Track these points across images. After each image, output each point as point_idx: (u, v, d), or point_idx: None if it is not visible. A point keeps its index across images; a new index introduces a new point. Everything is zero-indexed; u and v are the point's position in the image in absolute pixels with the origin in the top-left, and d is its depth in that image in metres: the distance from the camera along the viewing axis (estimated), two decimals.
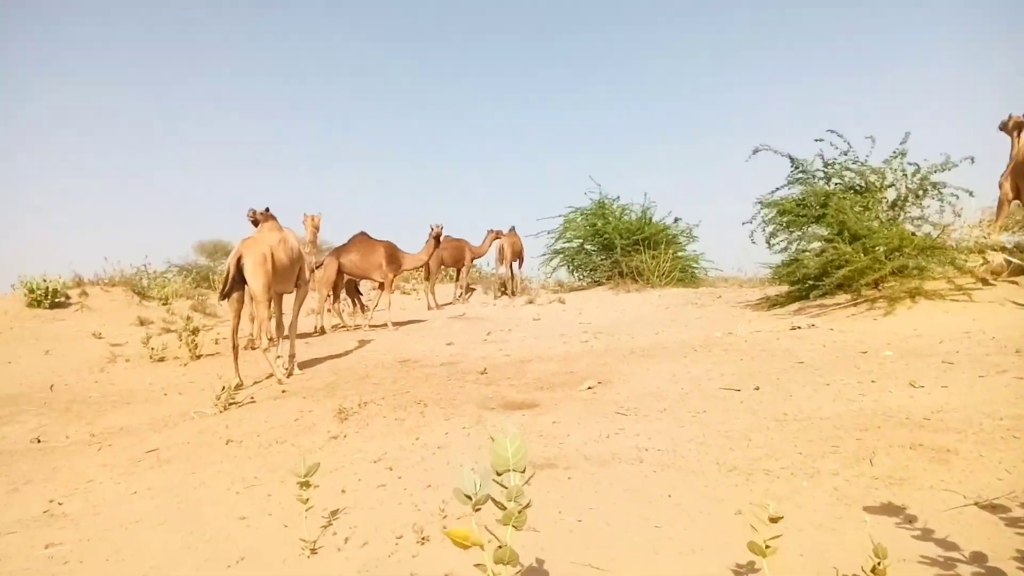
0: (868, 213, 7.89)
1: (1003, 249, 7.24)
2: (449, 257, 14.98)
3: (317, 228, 8.77)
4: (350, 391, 5.88)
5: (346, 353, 8.66)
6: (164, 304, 15.62)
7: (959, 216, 8.95)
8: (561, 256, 16.45)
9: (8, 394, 7.54)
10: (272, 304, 7.06)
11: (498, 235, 15.79)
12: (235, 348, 6.90)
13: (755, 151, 8.40)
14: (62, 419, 6.35)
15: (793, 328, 6.71)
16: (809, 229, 8.08)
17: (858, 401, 3.71)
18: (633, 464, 3.11)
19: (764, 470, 2.82)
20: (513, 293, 15.75)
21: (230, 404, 5.88)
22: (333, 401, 5.49)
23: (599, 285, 15.15)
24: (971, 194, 7.91)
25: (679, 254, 15.18)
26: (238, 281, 6.73)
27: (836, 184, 8.21)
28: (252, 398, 6.28)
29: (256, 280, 6.69)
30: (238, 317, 6.93)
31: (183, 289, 17.95)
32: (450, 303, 15.53)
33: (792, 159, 8.34)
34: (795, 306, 8.08)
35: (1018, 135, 7.56)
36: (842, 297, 7.64)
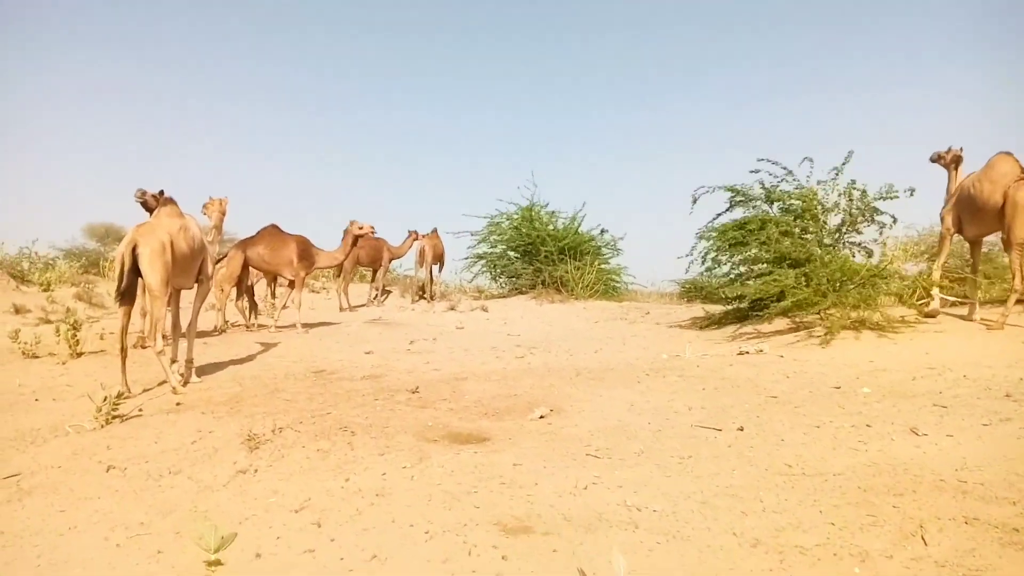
0: (809, 237, 7.72)
1: (942, 288, 7.19)
2: (366, 256, 14.11)
3: (223, 214, 7.76)
4: (258, 408, 5.08)
5: (251, 358, 7.75)
6: (45, 291, 14.03)
7: (884, 243, 8.97)
8: (484, 261, 15.86)
9: None
10: (169, 300, 6.11)
11: (418, 236, 15.05)
12: (124, 350, 5.92)
13: (695, 199, 8.16)
14: None
15: (740, 353, 6.38)
16: (750, 252, 7.83)
17: (863, 451, 3.30)
18: (628, 531, 2.55)
19: (797, 547, 2.32)
20: (432, 298, 15.03)
21: (113, 417, 4.96)
22: (238, 420, 4.69)
23: (521, 294, 14.65)
24: (895, 220, 7.89)
25: (603, 266, 14.87)
26: (132, 273, 5.77)
27: (778, 208, 8.00)
28: (140, 410, 5.36)
29: (153, 273, 5.76)
30: (129, 314, 5.95)
31: (68, 275, 16.29)
32: (364, 305, 14.64)
33: (731, 189, 8.09)
34: (730, 329, 7.80)
35: (956, 168, 7.52)
36: (780, 323, 7.41)
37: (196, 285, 6.66)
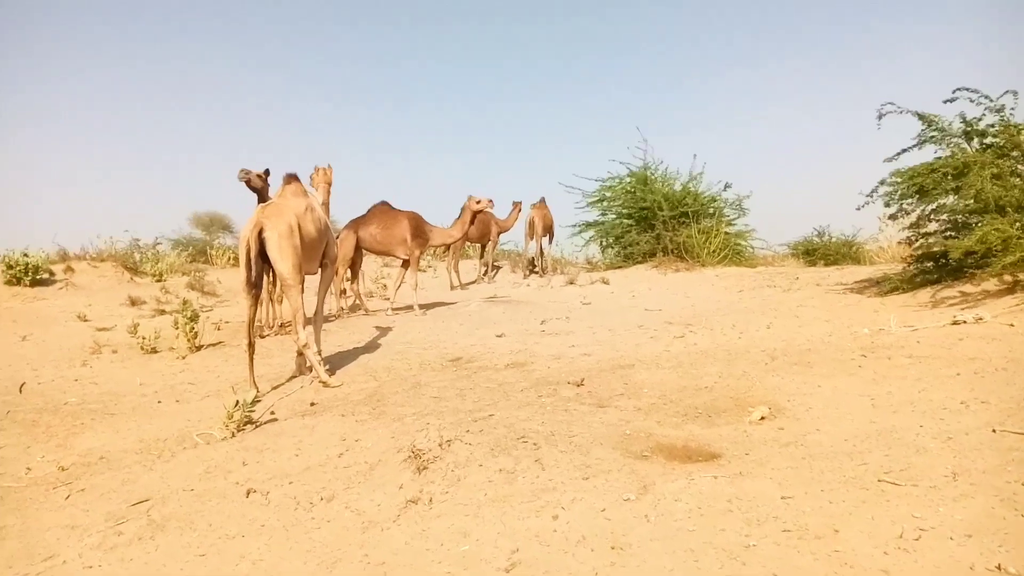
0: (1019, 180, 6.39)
1: None
2: (475, 232, 13.38)
3: (330, 184, 7.09)
4: (405, 408, 4.40)
5: (376, 346, 7.15)
6: (158, 281, 14.09)
7: None
8: (595, 230, 14.89)
9: None
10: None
11: (522, 207, 14.25)
12: (251, 345, 5.37)
13: (880, 115, 6.84)
14: (27, 437, 4.87)
15: (956, 323, 5.24)
16: (946, 200, 6.57)
17: None
18: None
19: None
20: (544, 271, 14.23)
21: (245, 423, 4.38)
22: (386, 425, 4.01)
23: (639, 263, 13.62)
24: None
25: (727, 229, 13.64)
26: (259, 260, 5.19)
27: (977, 146, 6.66)
28: (272, 413, 4.79)
29: (284, 259, 5.17)
30: (256, 305, 5.39)
31: (179, 264, 16.42)
32: (474, 282, 14.01)
33: (925, 118, 6.77)
34: (923, 294, 6.59)
35: None
36: (986, 284, 6.17)
37: (320, 270, 6.06)
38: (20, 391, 6.19)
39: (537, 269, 14.42)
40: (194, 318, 7.69)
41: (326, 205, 6.88)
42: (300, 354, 5.86)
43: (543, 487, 2.80)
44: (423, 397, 4.68)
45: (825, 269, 10.75)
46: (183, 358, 7.34)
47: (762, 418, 3.47)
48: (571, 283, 11.72)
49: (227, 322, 9.42)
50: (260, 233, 5.14)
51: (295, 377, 5.94)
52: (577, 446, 3.22)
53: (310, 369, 5.71)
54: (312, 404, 4.91)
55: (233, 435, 4.28)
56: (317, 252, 5.79)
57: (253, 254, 5.13)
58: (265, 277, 5.30)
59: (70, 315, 10.53)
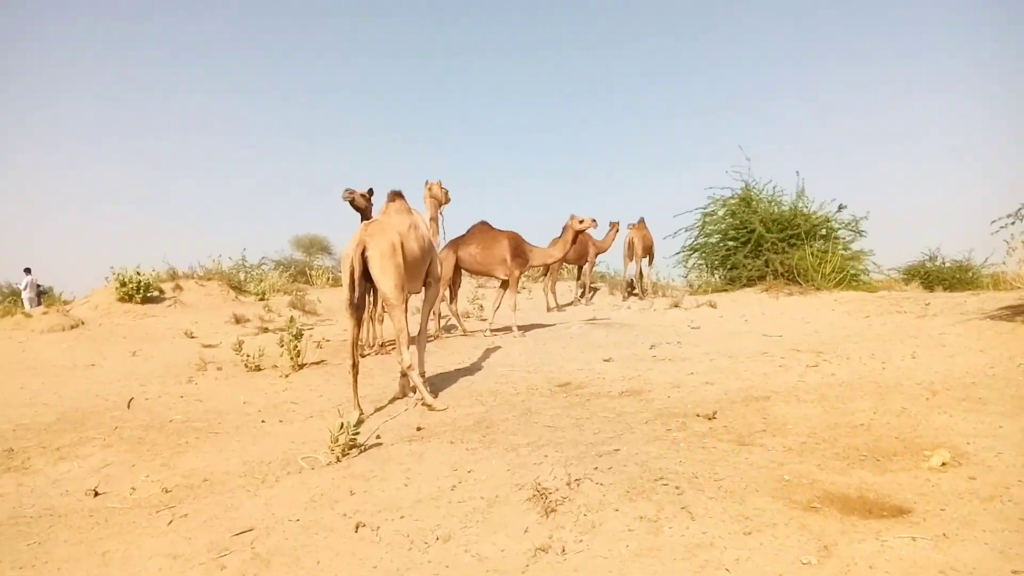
0: None
1: None
2: (572, 253, 13.07)
3: (437, 200, 6.79)
4: (517, 437, 4.08)
5: (479, 368, 6.89)
6: (261, 300, 14.43)
7: None
8: (699, 253, 14.29)
9: (80, 409, 6.17)
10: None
11: (619, 228, 13.82)
12: (355, 366, 5.19)
13: None
14: (132, 454, 4.84)
15: None
16: None
17: None
18: None
19: None
20: (643, 294, 13.73)
21: (350, 447, 4.16)
22: (500, 455, 3.70)
23: (746, 286, 12.91)
24: None
25: (842, 251, 12.76)
26: (363, 279, 5.04)
27: None
28: (378, 437, 4.58)
29: (386, 278, 5.00)
30: (359, 325, 5.22)
31: (280, 284, 16.84)
32: (570, 304, 13.67)
33: None
34: None
35: None
36: None
37: (424, 289, 5.86)
38: (128, 407, 6.26)
39: (636, 291, 13.93)
40: (298, 336, 7.67)
41: (434, 221, 6.66)
42: (404, 375, 5.66)
43: (697, 541, 2.41)
44: (536, 425, 4.35)
45: (958, 294, 9.81)
46: (286, 376, 7.31)
47: (943, 464, 2.95)
48: (675, 306, 11.18)
49: (328, 340, 9.43)
50: (363, 252, 4.98)
51: (398, 399, 5.74)
52: (727, 492, 2.80)
53: (414, 390, 5.50)
54: (418, 429, 4.66)
55: (338, 459, 4.07)
56: (420, 271, 5.59)
57: (356, 273, 4.97)
58: (367, 297, 5.13)
59: (177, 332, 10.84)
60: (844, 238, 13.23)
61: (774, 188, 13.53)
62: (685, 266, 15.30)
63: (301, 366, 7.65)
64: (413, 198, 6.00)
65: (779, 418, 4.00)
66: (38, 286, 17.91)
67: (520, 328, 9.46)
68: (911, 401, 4.04)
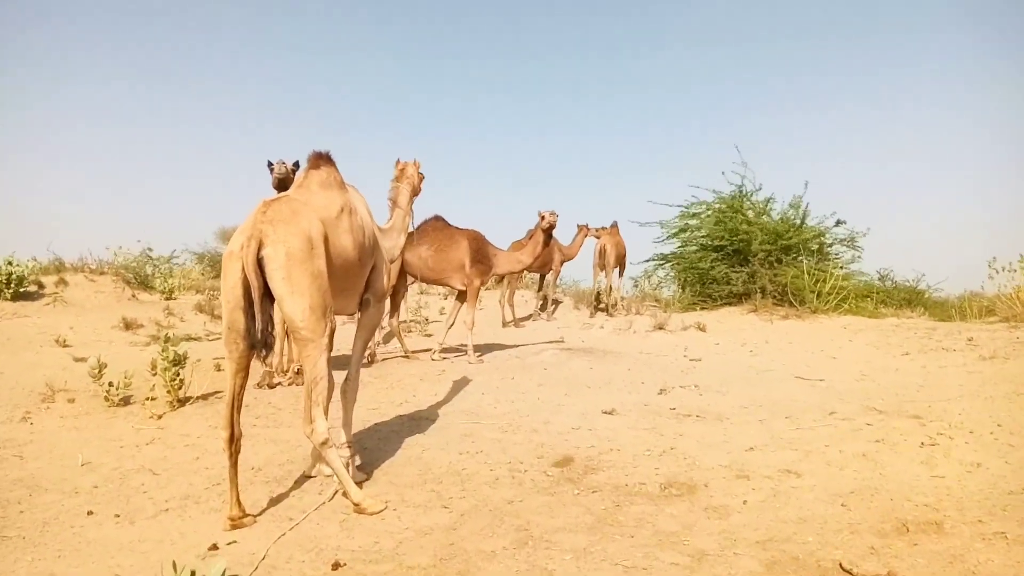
0: None
1: None
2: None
3: (413, 187, 4.64)
4: None
5: (429, 419, 4.94)
6: (167, 299, 12.08)
7: None
8: (674, 264, 12.61)
9: None
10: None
11: (592, 233, 12.01)
12: (233, 442, 3.13)
13: None
14: None
15: None
16: None
17: None
18: None
19: None
20: (611, 309, 11.95)
21: None
22: None
23: (728, 305, 11.30)
24: None
25: (838, 270, 11.25)
26: (262, 298, 3.00)
27: None
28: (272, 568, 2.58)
29: (297, 295, 2.98)
30: (245, 372, 3.15)
31: (195, 280, 14.48)
32: (529, 318, 11.79)
33: None
34: None
35: None
36: None
37: (360, 310, 3.87)
38: None
39: (602, 305, 12.15)
40: (178, 362, 5.55)
41: (404, 213, 4.52)
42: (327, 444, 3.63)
43: None
44: (543, 569, 2.43)
45: (973, 325, 8.37)
46: (158, 417, 5.19)
47: None
48: (660, 328, 9.42)
49: None
50: (258, 251, 2.95)
51: (309, 477, 3.75)
52: None
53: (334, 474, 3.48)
54: (335, 567, 2.66)
55: None
56: (357, 282, 3.60)
57: (255, 285, 2.93)
58: (270, 322, 3.07)
59: (49, 337, 8.49)
60: (838, 255, 11.80)
61: (767, 196, 11.99)
62: (651, 279, 13.77)
63: (182, 401, 5.53)
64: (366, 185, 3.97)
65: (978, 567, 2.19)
66: None
67: (476, 351, 7.52)
68: None
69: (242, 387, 3.13)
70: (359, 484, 3.41)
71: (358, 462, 3.77)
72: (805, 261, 11.02)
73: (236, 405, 3.10)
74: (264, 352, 3.01)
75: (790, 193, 13.23)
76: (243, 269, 2.92)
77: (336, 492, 3.40)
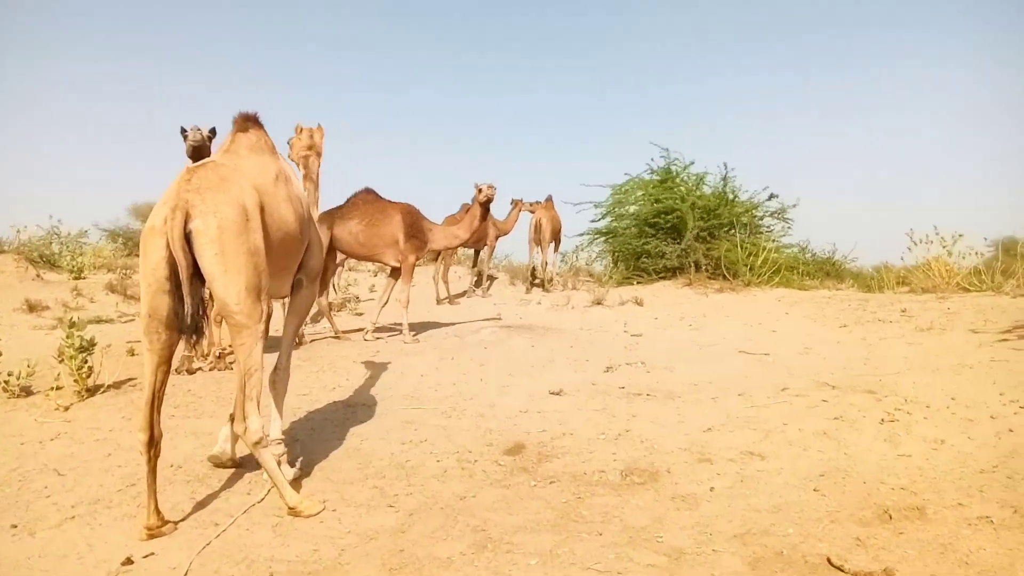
0: None
1: None
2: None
3: (319, 155, 4.19)
4: None
5: (367, 405, 4.60)
6: (77, 279, 11.20)
7: None
8: (608, 239, 12.50)
9: None
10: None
11: (527, 207, 11.75)
12: (152, 445, 2.72)
13: None
14: None
15: None
16: None
17: None
18: None
19: None
20: (546, 284, 11.75)
21: None
22: None
23: (661, 279, 11.27)
24: None
25: (769, 243, 11.37)
26: (191, 277, 2.57)
27: None
28: None
29: (232, 273, 2.58)
30: (167, 363, 2.74)
31: (107, 258, 13.52)
32: (463, 295, 11.47)
33: None
34: None
35: None
36: None
37: (291, 291, 3.48)
38: None
39: (538, 281, 11.94)
40: (86, 347, 5.01)
41: (314, 183, 4.10)
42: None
43: None
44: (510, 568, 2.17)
45: (900, 296, 8.55)
46: (65, 409, 4.67)
47: None
48: (598, 303, 9.26)
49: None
50: (185, 224, 2.54)
51: (232, 466, 3.38)
52: None
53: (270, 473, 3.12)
54: None
55: None
56: (293, 260, 3.21)
57: (182, 264, 2.52)
58: (201, 304, 2.64)
59: None
60: (769, 228, 11.93)
61: (698, 171, 11.98)
62: (581, 254, 13.67)
63: (91, 390, 5.01)
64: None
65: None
66: None
67: (411, 331, 7.18)
68: None
69: (163, 382, 2.72)
70: (293, 483, 3.06)
71: (289, 457, 3.42)
72: (738, 235, 11.07)
73: (156, 403, 2.70)
74: (195, 339, 2.63)
75: (715, 166, 13.31)
76: (167, 246, 2.51)
77: (268, 491, 3.05)
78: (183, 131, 5.34)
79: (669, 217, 11.35)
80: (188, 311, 2.53)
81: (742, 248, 10.64)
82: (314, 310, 8.13)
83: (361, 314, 9.26)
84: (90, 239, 15.11)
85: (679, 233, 11.39)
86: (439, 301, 10.68)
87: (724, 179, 11.81)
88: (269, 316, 2.86)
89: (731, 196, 11.76)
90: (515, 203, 11.64)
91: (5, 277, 10.60)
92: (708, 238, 11.19)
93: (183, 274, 2.50)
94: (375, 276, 14.23)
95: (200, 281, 2.62)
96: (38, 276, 11.10)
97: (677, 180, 11.87)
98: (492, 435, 3.84)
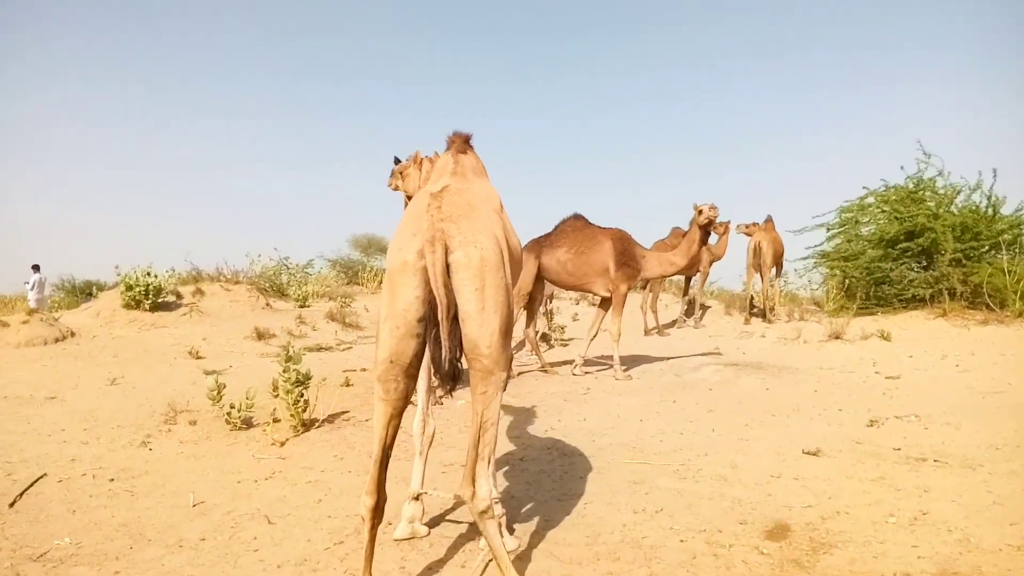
0: None
1: None
2: None
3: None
4: None
5: (587, 459, 4.10)
6: (302, 307, 11.98)
7: None
8: (836, 262, 11.12)
9: None
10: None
11: (742, 229, 10.79)
12: (377, 511, 2.41)
13: None
14: None
15: None
16: None
17: None
18: None
19: None
20: (768, 314, 10.65)
21: None
22: None
23: (906, 310, 9.74)
24: None
25: None
26: (444, 321, 2.21)
27: None
28: None
29: (489, 311, 2.23)
30: (398, 423, 2.42)
31: (329, 286, 14.46)
32: (673, 324, 10.73)
33: None
34: None
35: None
36: None
37: None
38: (12, 504, 3.67)
39: (755, 310, 10.89)
40: (302, 382, 5.03)
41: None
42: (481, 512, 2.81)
43: None
44: None
45: None
46: (281, 444, 4.68)
47: None
48: (836, 337, 8.13)
49: (364, 370, 6.82)
50: (445, 256, 2.22)
51: (452, 521, 3.01)
52: None
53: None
54: None
55: None
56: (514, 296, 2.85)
57: (443, 304, 2.19)
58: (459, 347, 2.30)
59: (182, 349, 8.40)
60: None
61: (952, 185, 10.31)
62: (801, 279, 12.34)
63: (306, 424, 5.01)
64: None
65: None
66: (46, 284, 15.76)
67: (623, 365, 6.63)
68: None
69: (394, 437, 2.40)
70: (515, 561, 2.61)
71: (505, 518, 2.99)
72: (1004, 256, 9.33)
73: (384, 462, 2.38)
74: (451, 386, 2.36)
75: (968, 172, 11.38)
76: (423, 283, 2.21)
77: (486, 566, 2.63)
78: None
79: (920, 240, 9.83)
80: (446, 355, 2.23)
81: (1009, 272, 8.91)
82: (519, 340, 7.89)
83: (567, 344, 8.88)
84: (315, 269, 16.37)
85: (929, 255, 9.85)
86: (647, 332, 10.05)
87: (989, 190, 10.05)
88: (511, 361, 2.47)
89: (991, 211, 9.99)
90: (723, 225, 10.73)
91: (239, 307, 11.48)
92: (964, 260, 9.55)
93: (443, 313, 2.18)
94: (576, 304, 13.89)
95: (453, 321, 2.29)
96: (267, 305, 11.95)
97: (925, 194, 10.29)
98: (743, 508, 3.17)
